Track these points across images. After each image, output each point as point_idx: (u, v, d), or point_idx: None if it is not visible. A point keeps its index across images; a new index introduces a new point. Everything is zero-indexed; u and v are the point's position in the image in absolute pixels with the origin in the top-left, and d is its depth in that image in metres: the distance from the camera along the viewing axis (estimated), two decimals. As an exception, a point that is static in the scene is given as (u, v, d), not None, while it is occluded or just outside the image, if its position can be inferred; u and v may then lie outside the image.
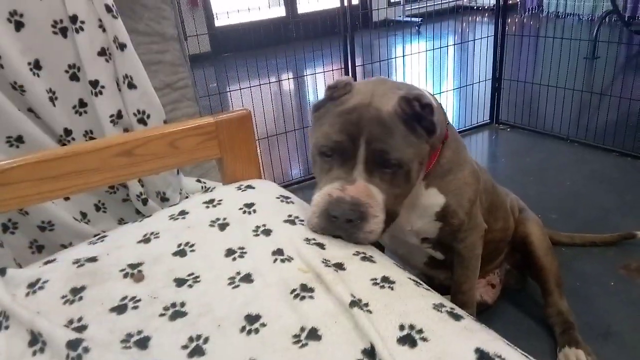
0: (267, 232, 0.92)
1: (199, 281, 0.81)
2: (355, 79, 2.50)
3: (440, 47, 3.18)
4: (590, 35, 4.22)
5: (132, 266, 0.85)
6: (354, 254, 0.87)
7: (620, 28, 4.63)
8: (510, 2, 3.21)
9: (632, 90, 2.57)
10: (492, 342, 0.67)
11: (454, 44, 4.33)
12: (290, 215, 0.98)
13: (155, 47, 1.48)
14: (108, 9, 1.14)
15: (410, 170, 0.97)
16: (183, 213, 0.98)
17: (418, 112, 0.96)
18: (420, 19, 5.84)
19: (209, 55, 3.14)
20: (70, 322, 0.74)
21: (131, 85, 1.22)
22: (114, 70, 1.20)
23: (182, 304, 0.76)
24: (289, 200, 1.05)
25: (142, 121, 1.23)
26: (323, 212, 0.92)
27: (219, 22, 5.42)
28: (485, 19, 6.11)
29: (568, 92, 2.85)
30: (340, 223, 0.91)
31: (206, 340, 0.70)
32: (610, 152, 2.58)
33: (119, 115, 1.22)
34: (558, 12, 6.05)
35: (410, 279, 0.82)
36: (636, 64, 4.07)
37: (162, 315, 0.75)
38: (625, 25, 4.48)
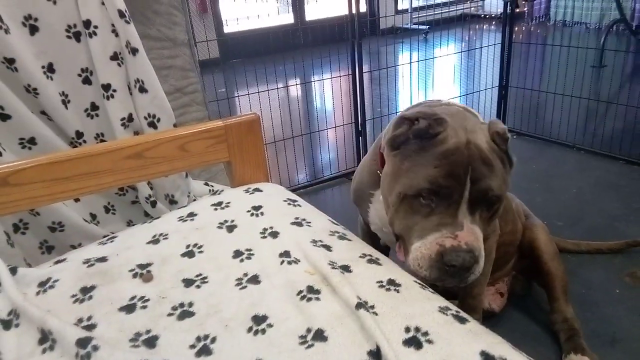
0: (275, 234, 0.93)
1: (206, 282, 0.82)
2: (362, 85, 2.53)
3: (448, 55, 3.18)
4: (597, 43, 4.22)
5: (141, 266, 0.86)
6: (360, 257, 0.88)
7: (627, 37, 4.63)
8: (518, 10, 3.22)
9: (639, 98, 2.57)
10: (498, 345, 0.67)
11: (461, 52, 4.34)
12: (297, 218, 0.99)
13: (166, 52, 1.50)
14: (121, 14, 1.16)
15: (501, 206, 0.97)
16: (192, 215, 1.00)
17: (508, 148, 0.96)
18: (427, 26, 5.86)
19: (218, 61, 3.17)
20: (80, 320, 0.76)
21: (142, 89, 1.24)
22: (126, 74, 1.22)
23: (190, 304, 0.77)
24: (296, 203, 1.07)
25: (152, 125, 1.24)
26: (435, 263, 0.89)
27: (228, 29, 5.46)
28: (493, 27, 6.13)
29: (575, 100, 2.85)
30: (457, 271, 0.89)
31: (214, 340, 0.71)
32: (617, 160, 2.57)
33: (130, 118, 1.24)
34: (565, 21, 6.06)
35: (415, 282, 0.83)
36: (644, 72, 4.07)
37: (170, 315, 0.76)
38: (633, 34, 4.47)
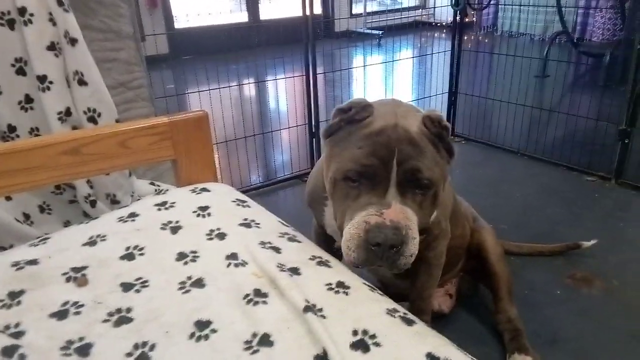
0: (222, 236, 0.90)
1: (147, 286, 0.78)
2: (316, 87, 2.52)
3: (400, 60, 3.24)
4: (541, 54, 4.42)
5: (76, 270, 0.81)
6: (309, 259, 0.86)
7: (569, 48, 4.87)
8: (467, 20, 3.32)
9: (579, 107, 2.70)
10: (443, 347, 0.67)
11: (413, 57, 4.43)
12: (246, 219, 0.96)
13: (109, 44, 1.43)
14: (59, 2, 1.10)
15: (438, 192, 0.96)
16: (133, 215, 0.95)
17: (440, 132, 0.96)
18: (381, 31, 5.95)
19: (167, 58, 3.08)
20: (7, 327, 0.70)
21: (82, 82, 1.18)
22: (64, 65, 1.16)
23: (129, 310, 0.73)
24: (245, 204, 1.04)
25: (92, 119, 1.18)
26: (362, 242, 0.87)
27: (178, 24, 5.32)
28: (443, 35, 6.29)
29: (520, 108, 2.96)
30: (383, 251, 0.86)
31: (152, 347, 0.67)
32: (559, 166, 2.69)
33: (68, 112, 1.17)
34: (512, 32, 6.31)
35: (364, 284, 0.82)
36: (583, 83, 4.29)
37: (106, 321, 0.71)
38: (574, 46, 4.71)
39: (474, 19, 6.50)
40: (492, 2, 4.30)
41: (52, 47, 1.12)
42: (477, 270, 1.58)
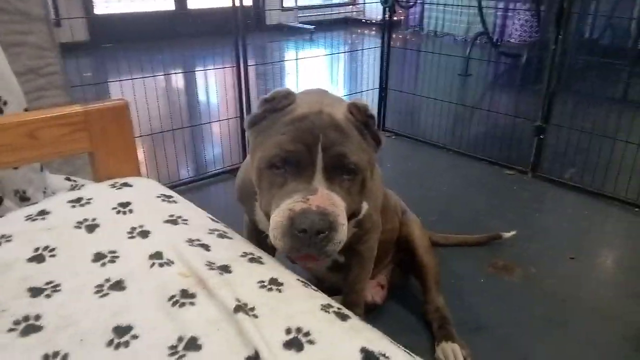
0: (145, 234, 0.84)
1: (58, 290, 0.70)
2: (247, 79, 2.46)
3: (332, 54, 3.24)
4: (464, 53, 4.62)
5: (-25, 275, 0.72)
6: (241, 256, 0.82)
7: (489, 49, 5.14)
8: (395, 18, 3.40)
9: (499, 105, 2.85)
10: (377, 340, 0.66)
11: (345, 52, 4.47)
12: (172, 216, 0.90)
13: (17, 26, 1.30)
14: (-47, -26, 0.98)
15: (365, 179, 0.95)
16: (43, 213, 0.86)
17: (366, 120, 0.95)
18: (313, 26, 5.95)
19: (87, 45, 2.88)
20: None
21: (-17, 67, 1.05)
22: (-39, 47, 1.03)
23: (37, 317, 0.66)
24: (171, 199, 0.98)
25: (-4, 108, 1.06)
26: (288, 230, 0.84)
27: (98, 10, 5.00)
28: (373, 32, 6.42)
29: (445, 105, 3.07)
30: (309, 237, 0.84)
31: (65, 357, 0.60)
32: (481, 160, 2.82)
33: (-33, 100, 1.05)
34: (437, 31, 6.55)
35: (298, 280, 0.79)
36: (503, 81, 4.54)
37: (12, 330, 0.64)
38: (494, 46, 4.97)
39: (402, 17, 6.68)
40: (418, 1, 4.42)
41: (-55, 25, 0.99)
42: (406, 262, 1.61)
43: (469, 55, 4.48)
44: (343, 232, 0.88)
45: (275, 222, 0.87)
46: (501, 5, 5.55)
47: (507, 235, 1.96)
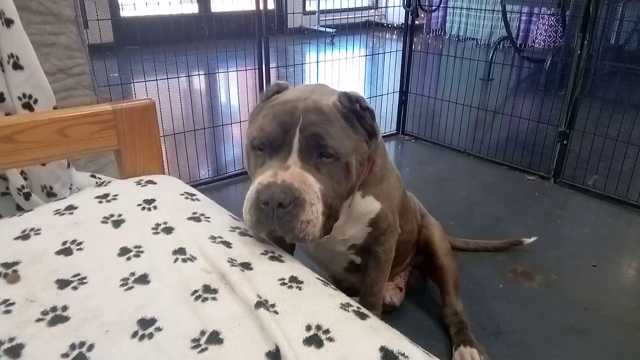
0: (168, 230, 0.86)
1: (85, 283, 0.73)
2: (268, 81, 2.48)
3: (353, 57, 3.25)
4: (486, 58, 4.58)
5: (6, 265, 0.74)
6: (262, 254, 0.84)
7: (512, 53, 5.08)
8: (417, 22, 3.39)
9: (521, 110, 2.81)
10: (396, 340, 0.67)
11: (366, 55, 4.47)
12: (195, 213, 0.92)
13: (48, 27, 1.34)
14: (-8, -22, 1.01)
15: (350, 165, 0.95)
16: (71, 208, 0.89)
17: (358, 110, 0.96)
18: (334, 29, 5.97)
19: (112, 47, 2.94)
20: None
21: (17, 66, 1.09)
22: (-3, 47, 1.07)
23: (65, 308, 0.68)
24: (194, 197, 1.00)
25: (27, 106, 1.09)
26: (254, 203, 0.87)
27: (124, 13, 5.10)
28: (394, 36, 6.40)
29: (466, 109, 3.05)
30: (272, 209, 0.85)
31: (91, 347, 0.62)
32: (501, 165, 2.79)
33: (1, 98, 1.08)
34: (459, 36, 6.50)
35: (318, 279, 0.80)
36: (525, 86, 4.48)
37: (39, 320, 0.66)
38: (517, 51, 4.91)
39: (424, 21, 6.65)
40: (441, 5, 4.40)
41: (-17, 26, 1.03)
42: (425, 264, 1.60)
43: (492, 60, 4.43)
44: (314, 213, 0.88)
45: (246, 197, 0.91)
46: (525, 9, 5.48)
47: (528, 241, 1.94)
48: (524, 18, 5.71)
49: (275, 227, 0.87)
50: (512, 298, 1.69)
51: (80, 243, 0.80)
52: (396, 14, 6.83)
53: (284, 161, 0.90)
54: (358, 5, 7.37)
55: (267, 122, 0.93)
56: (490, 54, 4.47)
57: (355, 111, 0.97)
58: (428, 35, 6.74)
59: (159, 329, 0.65)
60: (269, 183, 0.86)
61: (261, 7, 2.38)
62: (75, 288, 0.72)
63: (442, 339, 1.50)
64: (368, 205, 1.14)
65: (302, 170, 0.89)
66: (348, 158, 0.94)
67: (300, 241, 0.90)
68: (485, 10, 5.61)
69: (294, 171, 0.88)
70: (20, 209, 1.19)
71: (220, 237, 0.86)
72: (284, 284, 0.76)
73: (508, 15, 4.71)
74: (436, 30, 6.80)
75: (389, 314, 1.52)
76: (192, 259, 0.79)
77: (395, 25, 6.75)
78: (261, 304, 0.68)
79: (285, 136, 0.91)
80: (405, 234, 1.39)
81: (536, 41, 5.64)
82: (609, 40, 4.39)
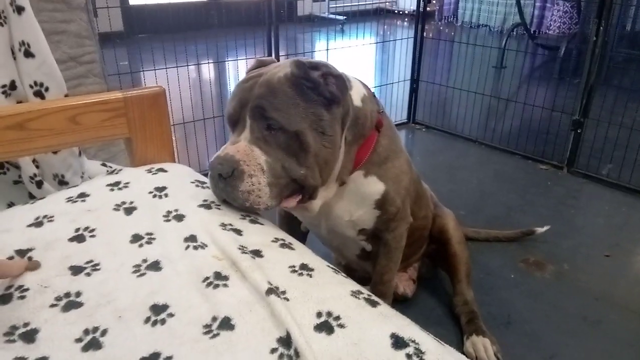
0: (180, 218, 0.86)
1: (98, 269, 0.73)
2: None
3: (364, 45, 3.22)
4: (499, 45, 4.52)
5: (20, 252, 0.75)
6: (272, 241, 0.84)
7: (526, 40, 5.00)
8: (429, 9, 3.34)
9: (535, 98, 2.77)
10: (407, 327, 0.66)
11: (376, 42, 4.43)
12: (205, 200, 0.92)
13: (59, 15, 1.34)
14: (3, -35, 1.01)
15: (301, 133, 0.93)
16: (83, 195, 0.89)
17: (311, 77, 0.94)
18: (344, 17, 5.92)
19: (122, 35, 2.94)
20: (-57, 313, 0.64)
21: (28, 54, 1.09)
22: (9, 35, 1.07)
23: (78, 294, 0.68)
24: (205, 185, 1.00)
25: (39, 94, 1.10)
26: (209, 174, 0.93)
27: (134, 1, 5.10)
28: (405, 23, 6.34)
29: (478, 97, 3.02)
30: (217, 180, 0.91)
31: (104, 332, 0.63)
32: (514, 154, 2.76)
33: (13, 86, 1.09)
34: (471, 22, 6.42)
35: (328, 266, 0.80)
36: (539, 74, 4.42)
37: (53, 305, 0.67)
38: (531, 38, 4.83)
39: (436, 8, 6.57)
40: (453, -8, 4.34)
41: (-6, 14, 1.03)
42: (437, 253, 1.60)
43: (505, 47, 4.37)
44: (253, 184, 0.91)
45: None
46: (539, -5, 5.39)
47: (541, 230, 1.92)
48: (538, 4, 5.61)
49: (224, 196, 0.92)
50: (524, 288, 1.68)
51: (93, 230, 0.81)
52: (407, 1, 6.76)
53: (239, 136, 0.95)
54: (369, -8, 7.30)
55: (230, 99, 0.99)
56: (504, 41, 4.40)
57: (307, 79, 0.94)
58: (440, 22, 6.66)
59: (171, 315, 0.65)
60: (216, 156, 0.93)
61: (271, -5, 2.36)
62: (88, 274, 0.72)
63: (452, 329, 1.50)
64: (371, 185, 1.14)
65: (250, 143, 0.94)
66: (297, 127, 0.93)
67: (249, 210, 0.93)
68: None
69: (240, 145, 0.93)
70: (32, 197, 1.20)
71: (230, 224, 0.86)
72: (294, 271, 0.76)
73: (522, 1, 4.63)
74: (448, 16, 6.72)
75: (399, 304, 1.52)
76: (203, 246, 0.79)
77: (406, 12, 6.68)
78: (272, 290, 0.68)
79: (241, 112, 0.96)
80: (420, 220, 1.39)
81: (551, 28, 5.55)
82: (624, 27, 4.30)
